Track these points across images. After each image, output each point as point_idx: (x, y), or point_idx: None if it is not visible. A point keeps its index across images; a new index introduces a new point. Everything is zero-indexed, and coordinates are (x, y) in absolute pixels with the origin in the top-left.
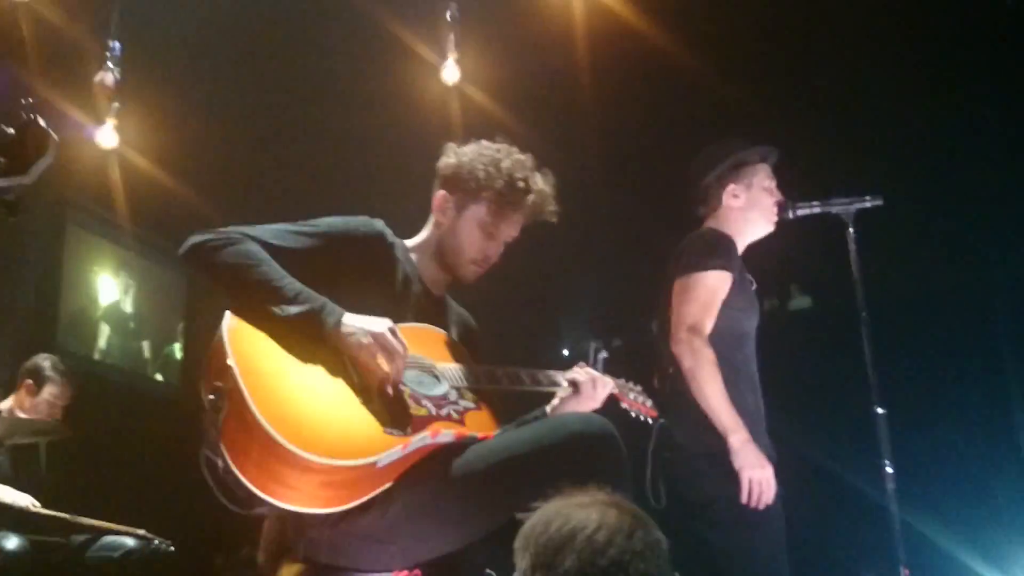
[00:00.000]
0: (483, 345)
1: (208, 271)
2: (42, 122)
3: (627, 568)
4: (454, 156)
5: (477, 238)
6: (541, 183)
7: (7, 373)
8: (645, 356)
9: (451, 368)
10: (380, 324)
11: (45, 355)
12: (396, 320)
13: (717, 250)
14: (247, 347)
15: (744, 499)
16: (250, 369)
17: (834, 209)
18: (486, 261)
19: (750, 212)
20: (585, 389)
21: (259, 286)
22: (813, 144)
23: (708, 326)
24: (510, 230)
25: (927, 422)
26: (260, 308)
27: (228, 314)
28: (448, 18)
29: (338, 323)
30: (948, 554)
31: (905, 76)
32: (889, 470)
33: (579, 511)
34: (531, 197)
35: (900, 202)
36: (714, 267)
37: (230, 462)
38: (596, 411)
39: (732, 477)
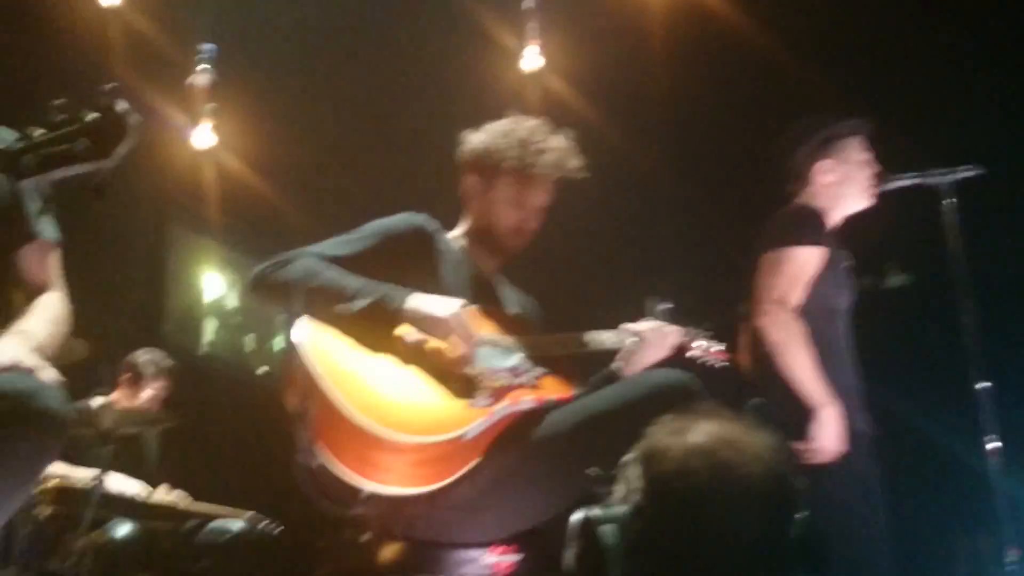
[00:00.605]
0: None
1: (275, 294)
2: (124, 105)
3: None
4: (471, 140)
5: (509, 212)
6: (557, 141)
7: (116, 370)
8: (736, 338)
9: (517, 340)
10: (446, 307)
11: (145, 350)
12: None
13: (806, 225)
14: (322, 350)
15: (799, 448)
16: (328, 368)
17: (931, 180)
18: (523, 231)
19: (844, 187)
20: (651, 338)
21: (324, 290)
22: (907, 116)
23: (795, 300)
24: (538, 196)
25: None
26: (329, 310)
27: (299, 322)
28: (525, 4)
29: (403, 303)
30: None
31: (999, 41)
32: (991, 445)
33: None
34: (547, 156)
35: (1000, 171)
36: (804, 242)
37: (327, 458)
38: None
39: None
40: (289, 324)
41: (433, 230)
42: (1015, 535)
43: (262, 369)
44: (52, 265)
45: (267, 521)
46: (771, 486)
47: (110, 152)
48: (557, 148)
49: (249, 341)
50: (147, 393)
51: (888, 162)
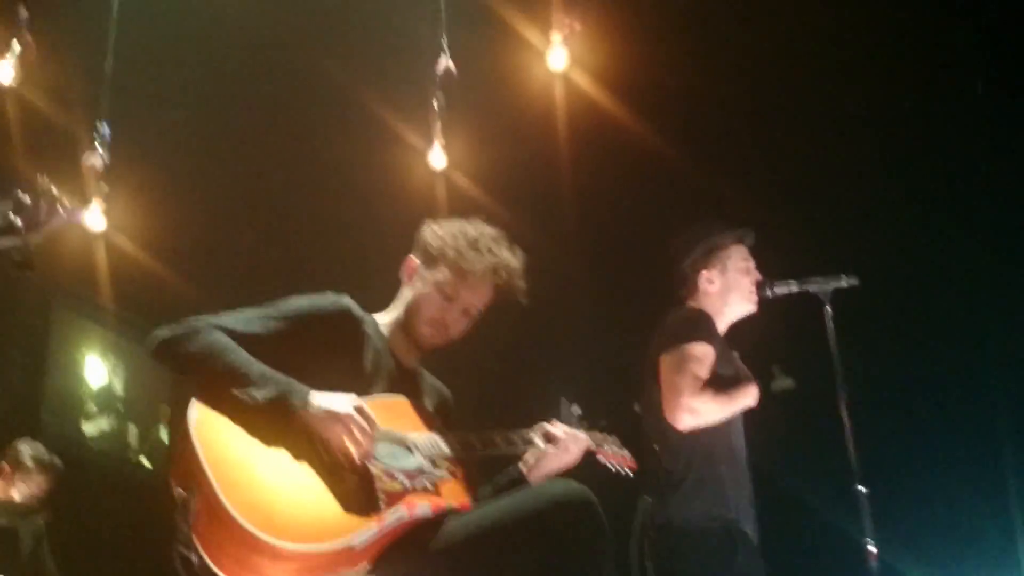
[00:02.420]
0: (470, 424)
1: (175, 364)
2: (55, 191)
3: None
4: (428, 228)
5: (436, 299)
6: (507, 255)
7: None
8: (631, 435)
9: (424, 438)
10: (346, 403)
11: (26, 441)
12: (367, 393)
13: (699, 325)
14: (213, 437)
15: None
16: (217, 459)
17: (811, 288)
18: (443, 324)
19: (727, 295)
20: (561, 444)
21: (225, 374)
22: (790, 224)
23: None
24: (472, 297)
25: (913, 499)
26: (228, 396)
27: (193, 403)
28: (435, 105)
29: (305, 404)
30: None
31: (881, 154)
32: (872, 549)
33: None
34: (489, 260)
35: (877, 281)
36: (697, 338)
37: (204, 556)
38: (574, 471)
39: (717, 557)
40: (179, 406)
41: (359, 314)
42: None
43: (143, 461)
44: None
45: None
46: None
47: (40, 228)
48: (503, 258)
49: (131, 431)
50: (23, 489)
51: (771, 268)
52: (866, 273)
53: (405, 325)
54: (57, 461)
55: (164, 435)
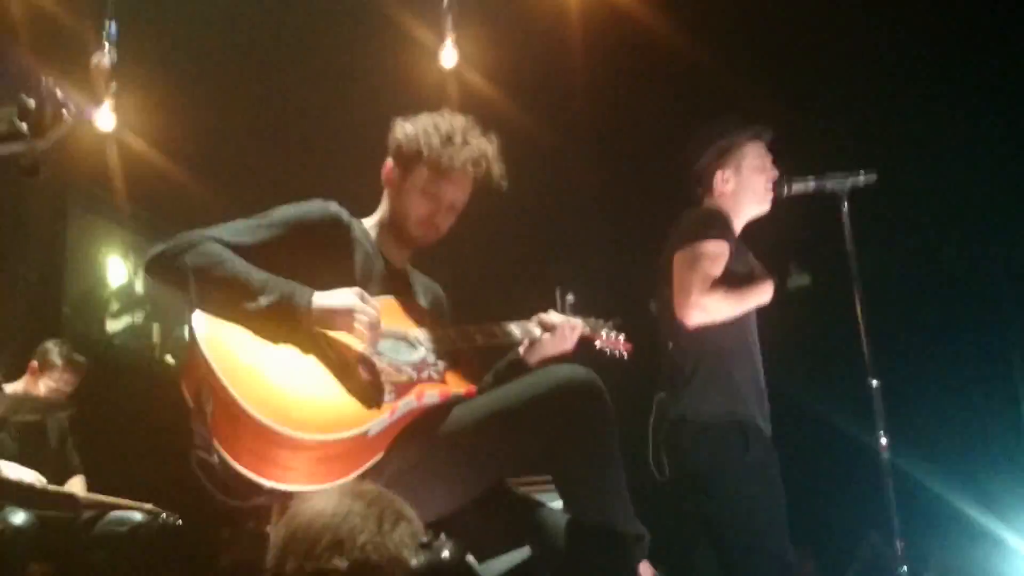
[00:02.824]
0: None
1: (173, 279)
2: (60, 95)
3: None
4: (399, 128)
5: (421, 201)
6: (482, 143)
7: (13, 355)
8: (644, 333)
9: (423, 333)
10: (349, 296)
11: (55, 340)
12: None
13: (714, 223)
14: (221, 343)
15: None
16: (228, 363)
17: (828, 185)
18: (432, 224)
19: (742, 194)
20: (558, 331)
21: (226, 283)
22: (810, 119)
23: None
24: (454, 191)
25: (924, 393)
26: (231, 305)
27: (197, 314)
28: (445, 2)
29: (309, 304)
30: (950, 516)
31: (899, 50)
32: (883, 441)
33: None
34: (466, 152)
35: (896, 177)
36: (711, 236)
37: (225, 455)
38: (567, 355)
39: (729, 450)
40: (190, 312)
41: (347, 219)
42: (904, 528)
43: (167, 358)
44: None
45: (166, 514)
46: None
47: (45, 134)
48: (479, 147)
49: (155, 330)
50: (50, 383)
51: (788, 165)
52: (884, 169)
53: (393, 228)
54: (82, 359)
55: (187, 333)
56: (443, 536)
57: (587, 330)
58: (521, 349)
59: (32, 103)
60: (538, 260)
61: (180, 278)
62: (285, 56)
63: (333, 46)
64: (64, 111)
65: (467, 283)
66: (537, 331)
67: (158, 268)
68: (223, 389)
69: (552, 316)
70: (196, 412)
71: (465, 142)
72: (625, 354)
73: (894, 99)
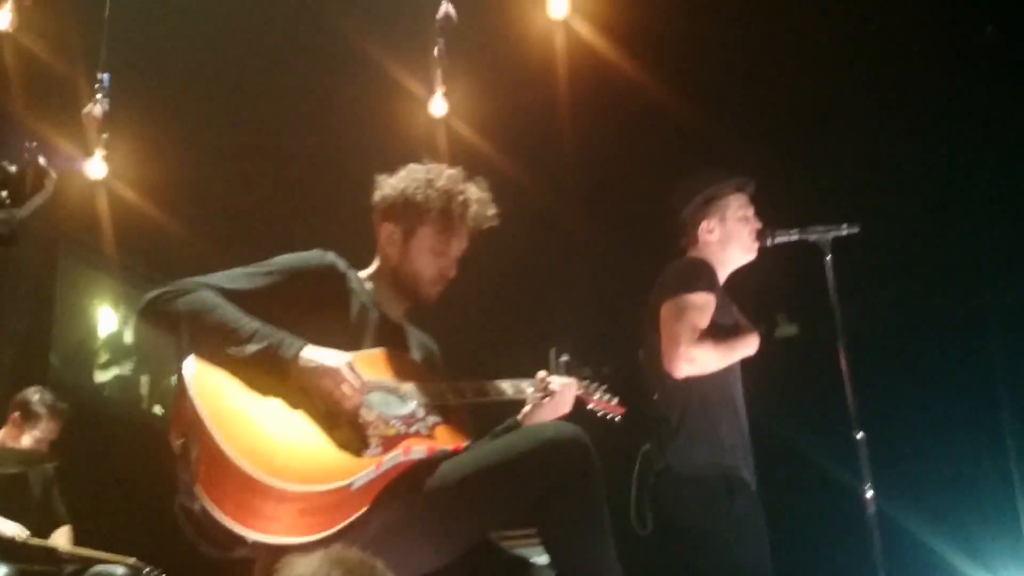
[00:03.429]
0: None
1: (166, 324)
2: (43, 161)
3: None
4: (389, 187)
5: (431, 261)
6: (477, 192)
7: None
8: (633, 383)
9: (415, 387)
10: (338, 358)
11: (36, 388)
12: (355, 347)
13: (700, 275)
14: (210, 389)
15: None
16: (215, 409)
17: (811, 237)
18: (444, 279)
19: (727, 244)
20: (557, 395)
21: (217, 330)
22: (790, 172)
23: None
24: (459, 244)
25: (911, 443)
26: (220, 351)
27: (190, 359)
28: (436, 53)
29: (296, 355)
30: (937, 566)
31: (882, 102)
32: (869, 494)
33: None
34: (471, 208)
35: (879, 229)
36: (699, 288)
37: (208, 502)
38: (566, 416)
39: (715, 502)
40: (179, 359)
41: (343, 270)
42: None
43: (156, 410)
44: None
45: (149, 568)
46: None
47: (24, 202)
48: (479, 199)
49: (143, 381)
50: (34, 434)
51: (772, 216)
52: (866, 221)
53: (396, 284)
54: (64, 405)
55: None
56: None
57: (581, 390)
58: (520, 415)
59: (13, 169)
60: (526, 310)
61: (172, 323)
62: (275, 105)
63: (324, 96)
64: (46, 177)
65: (458, 337)
66: (529, 390)
67: (152, 312)
68: (208, 434)
69: (552, 379)
70: (181, 457)
71: (465, 196)
72: (618, 417)
73: (876, 150)
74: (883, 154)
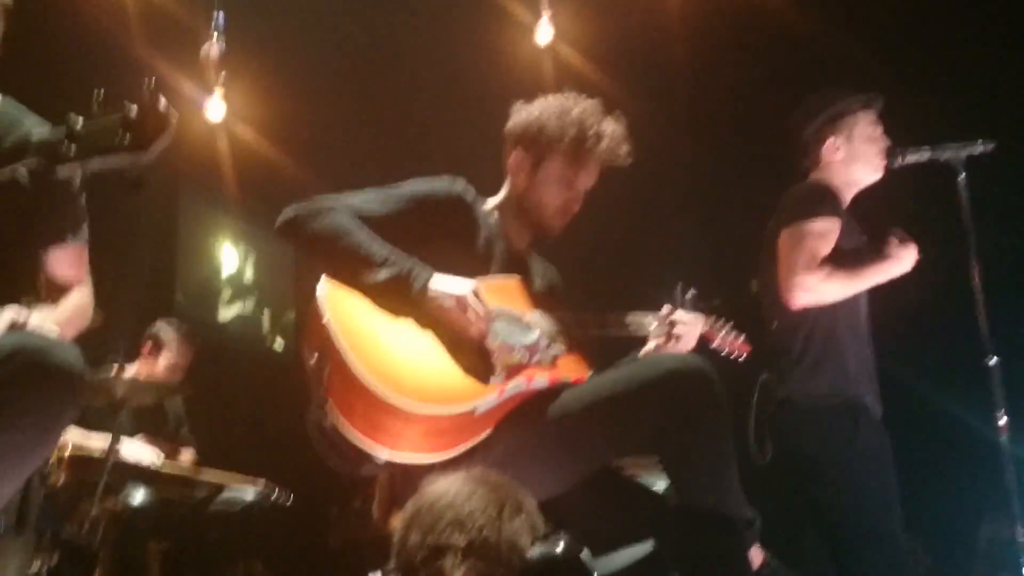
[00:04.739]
0: (583, 305)
1: (303, 244)
2: (163, 102)
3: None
4: (524, 113)
5: (557, 191)
6: (613, 126)
7: (128, 343)
8: (746, 313)
9: (539, 317)
10: (464, 286)
11: (165, 320)
12: (481, 274)
13: (821, 199)
14: (343, 308)
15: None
16: (347, 328)
17: (944, 155)
18: (568, 212)
19: (853, 164)
20: (678, 329)
21: (351, 254)
22: (923, 88)
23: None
24: (588, 178)
25: None
26: (352, 275)
27: (323, 279)
28: None
29: (424, 285)
30: None
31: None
32: (1002, 421)
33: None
34: (603, 142)
35: (1016, 147)
36: (820, 214)
37: (339, 416)
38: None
39: (838, 433)
40: (309, 281)
41: (472, 199)
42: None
43: (278, 344)
44: (83, 265)
45: (279, 490)
46: None
47: (149, 146)
48: (613, 135)
49: (265, 316)
50: (166, 362)
51: (900, 135)
52: (1003, 138)
53: (522, 213)
54: (191, 330)
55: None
56: (560, 532)
57: (707, 327)
58: (642, 352)
59: (135, 111)
60: (648, 243)
61: (308, 243)
62: (384, 39)
63: (431, 28)
64: (167, 119)
65: (582, 269)
66: (653, 324)
67: (290, 232)
68: (339, 352)
69: (677, 315)
70: (314, 374)
71: (599, 130)
72: (743, 356)
73: (1011, 65)
74: (1019, 67)
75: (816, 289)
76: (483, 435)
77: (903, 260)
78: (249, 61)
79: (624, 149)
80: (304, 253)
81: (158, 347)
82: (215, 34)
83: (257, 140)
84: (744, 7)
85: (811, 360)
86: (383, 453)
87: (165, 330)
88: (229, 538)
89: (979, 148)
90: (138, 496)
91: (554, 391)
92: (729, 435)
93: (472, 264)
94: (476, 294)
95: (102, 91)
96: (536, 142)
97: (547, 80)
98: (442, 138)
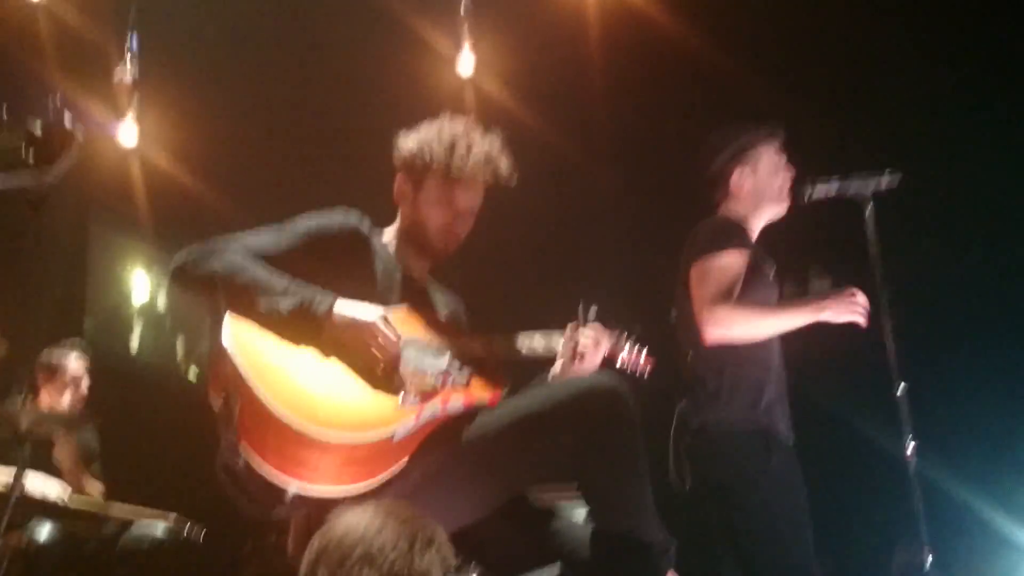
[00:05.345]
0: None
1: (198, 286)
2: (68, 121)
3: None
4: (404, 139)
5: (438, 213)
6: (485, 144)
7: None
8: (667, 341)
9: (447, 342)
10: (372, 313)
11: (48, 348)
12: (382, 305)
13: (729, 233)
14: (248, 346)
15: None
16: (255, 365)
17: (852, 188)
18: (451, 232)
19: (760, 195)
20: (581, 346)
21: (248, 289)
22: (828, 121)
23: (727, 302)
24: (467, 197)
25: (951, 398)
26: (254, 309)
27: (227, 316)
28: (462, 10)
29: (329, 309)
30: (976, 523)
31: (923, 42)
32: (910, 447)
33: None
34: (474, 157)
35: (921, 178)
36: (726, 247)
37: (252, 453)
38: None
39: (751, 458)
40: (213, 319)
41: (368, 230)
42: (934, 533)
43: (192, 372)
44: None
45: (191, 525)
46: None
47: (53, 162)
48: (482, 149)
49: (178, 345)
50: (70, 393)
51: (809, 164)
52: (909, 170)
53: (412, 239)
54: (83, 343)
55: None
56: (472, 564)
57: (611, 340)
58: (551, 374)
59: (39, 127)
60: (557, 269)
61: (204, 285)
62: (304, 67)
63: (352, 57)
64: (72, 139)
65: (485, 295)
66: (559, 341)
67: (182, 276)
68: (250, 390)
69: (580, 332)
70: (223, 415)
71: (469, 146)
72: (647, 371)
73: (917, 96)
74: (925, 99)
75: (726, 321)
76: (401, 463)
77: (837, 311)
78: (164, 85)
79: (503, 163)
80: (201, 294)
81: (55, 372)
82: (128, 56)
83: (171, 165)
84: (660, 42)
85: (725, 390)
86: (295, 487)
87: (53, 354)
88: (139, 575)
89: (885, 181)
90: (44, 532)
91: (469, 414)
92: (643, 453)
93: (371, 295)
94: (385, 319)
95: (4, 106)
96: (413, 166)
97: (468, 111)
98: (360, 167)
